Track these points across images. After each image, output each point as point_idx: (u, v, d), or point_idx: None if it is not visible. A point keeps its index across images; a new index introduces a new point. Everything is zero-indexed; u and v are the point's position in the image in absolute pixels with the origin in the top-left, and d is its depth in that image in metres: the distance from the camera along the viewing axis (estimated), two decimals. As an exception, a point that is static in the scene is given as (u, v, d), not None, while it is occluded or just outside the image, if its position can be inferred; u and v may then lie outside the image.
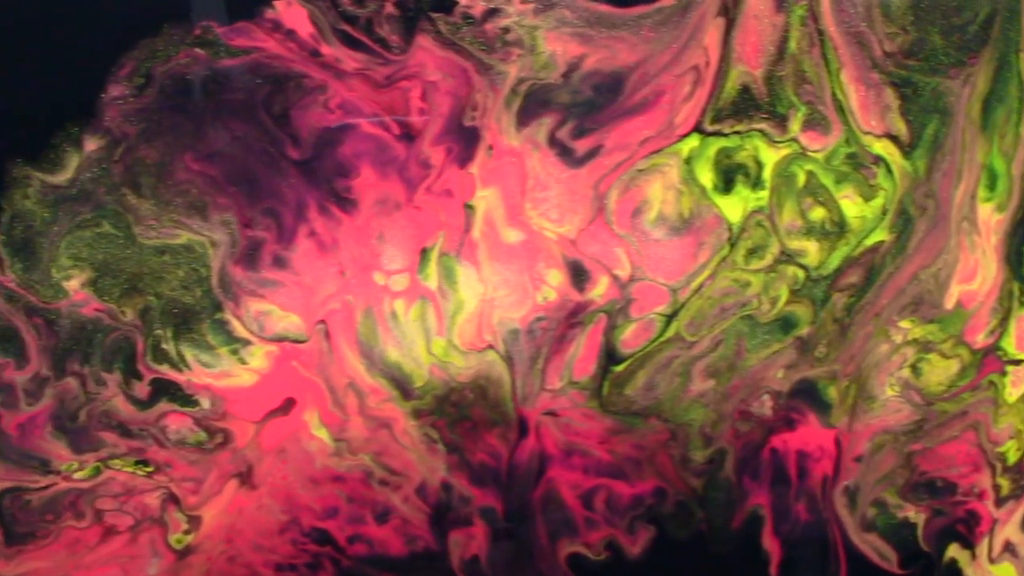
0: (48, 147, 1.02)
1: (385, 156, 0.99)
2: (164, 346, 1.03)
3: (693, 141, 0.99)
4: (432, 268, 1.00)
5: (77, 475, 1.06)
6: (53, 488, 1.07)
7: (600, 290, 1.00)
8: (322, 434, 1.03)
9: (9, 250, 1.02)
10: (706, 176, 0.99)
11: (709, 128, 0.98)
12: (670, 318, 1.00)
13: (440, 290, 1.00)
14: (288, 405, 1.03)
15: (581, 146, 0.99)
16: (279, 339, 1.02)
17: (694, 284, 1.00)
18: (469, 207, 0.99)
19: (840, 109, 0.98)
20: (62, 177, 1.01)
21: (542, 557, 1.04)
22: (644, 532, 1.04)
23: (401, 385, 1.02)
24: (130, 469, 1.05)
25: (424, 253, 1.00)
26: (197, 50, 1.00)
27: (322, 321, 1.01)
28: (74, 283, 1.02)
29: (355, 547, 1.05)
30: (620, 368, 1.01)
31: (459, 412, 1.02)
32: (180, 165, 1.00)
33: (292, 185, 1.00)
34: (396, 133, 0.99)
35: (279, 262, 1.01)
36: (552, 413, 1.02)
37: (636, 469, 1.03)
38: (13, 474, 1.07)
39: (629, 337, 1.01)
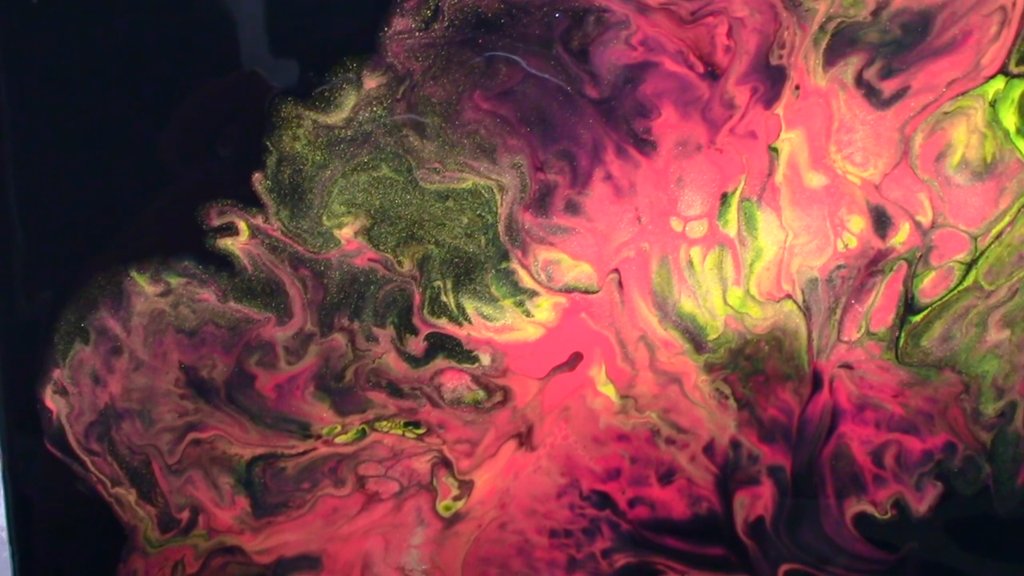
0: (322, 85, 0.91)
1: (688, 96, 0.91)
2: (443, 298, 0.93)
3: (998, 83, 0.92)
4: (732, 214, 0.92)
5: (339, 439, 0.96)
6: (311, 454, 0.96)
7: (901, 237, 0.92)
8: (608, 391, 0.94)
9: (275, 196, 0.92)
10: (1010, 119, 0.92)
11: (1014, 70, 0.91)
12: (969, 266, 0.93)
13: (739, 237, 0.92)
14: (574, 360, 0.94)
15: (888, 87, 0.92)
16: (568, 290, 0.93)
17: (994, 231, 0.94)
18: (773, 150, 0.91)
19: None
20: (337, 117, 0.91)
21: (828, 517, 0.96)
22: (931, 489, 0.96)
23: (694, 338, 0.93)
24: (399, 431, 0.95)
25: (724, 198, 0.92)
26: (491, -19, 0.90)
27: (615, 270, 0.93)
28: (346, 231, 0.92)
29: (636, 510, 0.97)
30: (917, 318, 0.94)
31: (753, 366, 0.94)
32: (468, 104, 0.91)
33: (589, 126, 0.91)
34: (700, 71, 0.90)
35: (572, 207, 0.92)
36: (847, 366, 0.94)
37: (928, 423, 0.96)
38: (267, 439, 0.96)
39: (928, 286, 0.94)
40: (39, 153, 0.97)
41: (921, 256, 0.99)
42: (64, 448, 1.03)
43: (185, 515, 1.04)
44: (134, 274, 0.99)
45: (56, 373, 1.01)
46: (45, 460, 1.04)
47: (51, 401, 1.02)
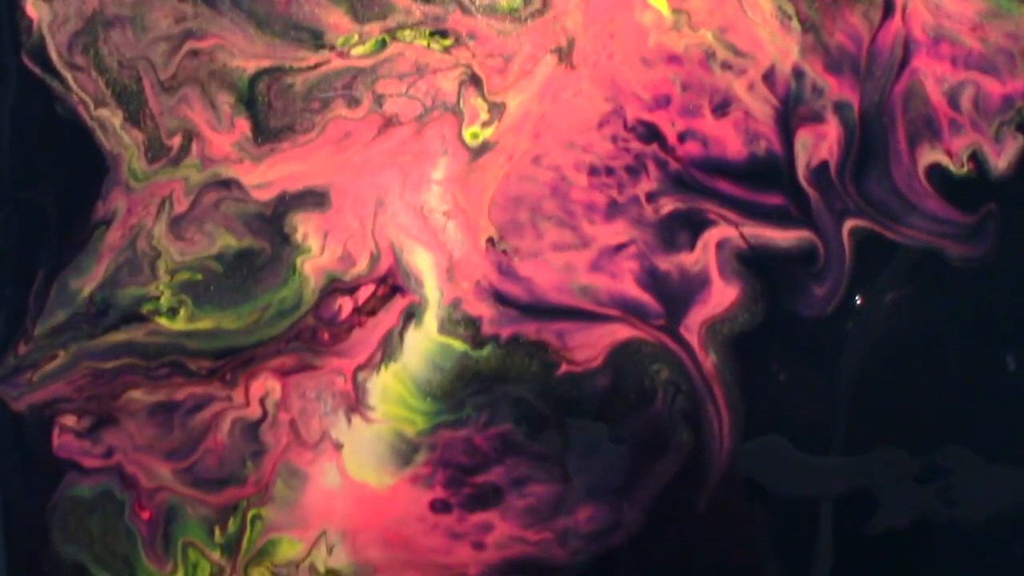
0: None
1: None
2: None
3: None
4: None
5: (356, 51, 0.82)
6: (324, 67, 0.83)
7: None
8: (659, 4, 0.80)
9: None
10: None
11: None
12: None
13: None
14: (622, -36, 0.80)
15: None
16: None
17: None
18: None
19: None
20: None
21: (899, 166, 0.81)
22: (1011, 141, 0.82)
23: (756, -56, 0.80)
24: (423, 42, 0.81)
25: None
26: None
27: None
28: None
29: (686, 146, 0.82)
30: (999, -59, 0.81)
31: (820, -19, 0.81)
32: None
33: None
34: None
35: None
36: (922, -11, 0.81)
37: (1008, 64, 0.84)
38: (274, 50, 0.82)
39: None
40: None
41: None
42: (44, 63, 0.88)
43: (176, 141, 0.88)
44: None
45: (39, -27, 0.86)
46: (21, 78, 0.87)
47: (32, 8, 0.87)
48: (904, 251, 0.91)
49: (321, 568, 0.95)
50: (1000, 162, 0.92)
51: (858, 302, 0.91)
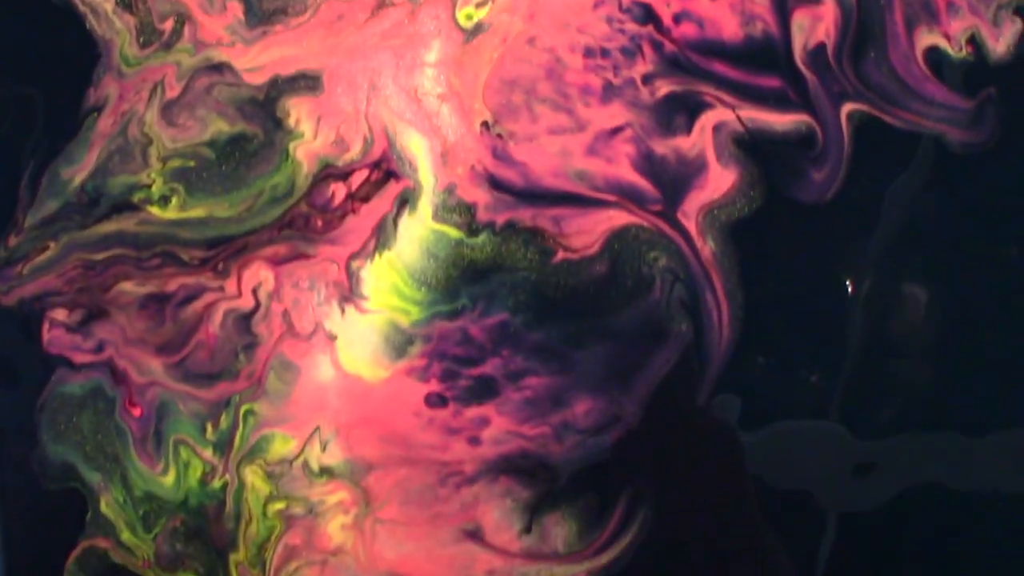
0: None
1: None
2: None
3: None
4: None
5: None
6: (316, -52, 0.81)
7: None
8: None
9: None
10: None
11: None
12: None
13: None
14: None
15: None
16: None
17: None
18: None
19: None
20: None
21: (896, 49, 0.80)
22: (1009, 25, 0.81)
23: None
24: (417, -77, 0.80)
25: None
26: None
27: None
28: None
29: (682, 28, 0.81)
30: None
31: None
32: None
33: None
34: None
35: None
36: None
37: None
38: None
39: None
40: None
41: None
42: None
43: (169, 24, 0.87)
44: None
45: None
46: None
47: None
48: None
49: (315, 465, 0.93)
50: (999, 46, 0.91)
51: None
